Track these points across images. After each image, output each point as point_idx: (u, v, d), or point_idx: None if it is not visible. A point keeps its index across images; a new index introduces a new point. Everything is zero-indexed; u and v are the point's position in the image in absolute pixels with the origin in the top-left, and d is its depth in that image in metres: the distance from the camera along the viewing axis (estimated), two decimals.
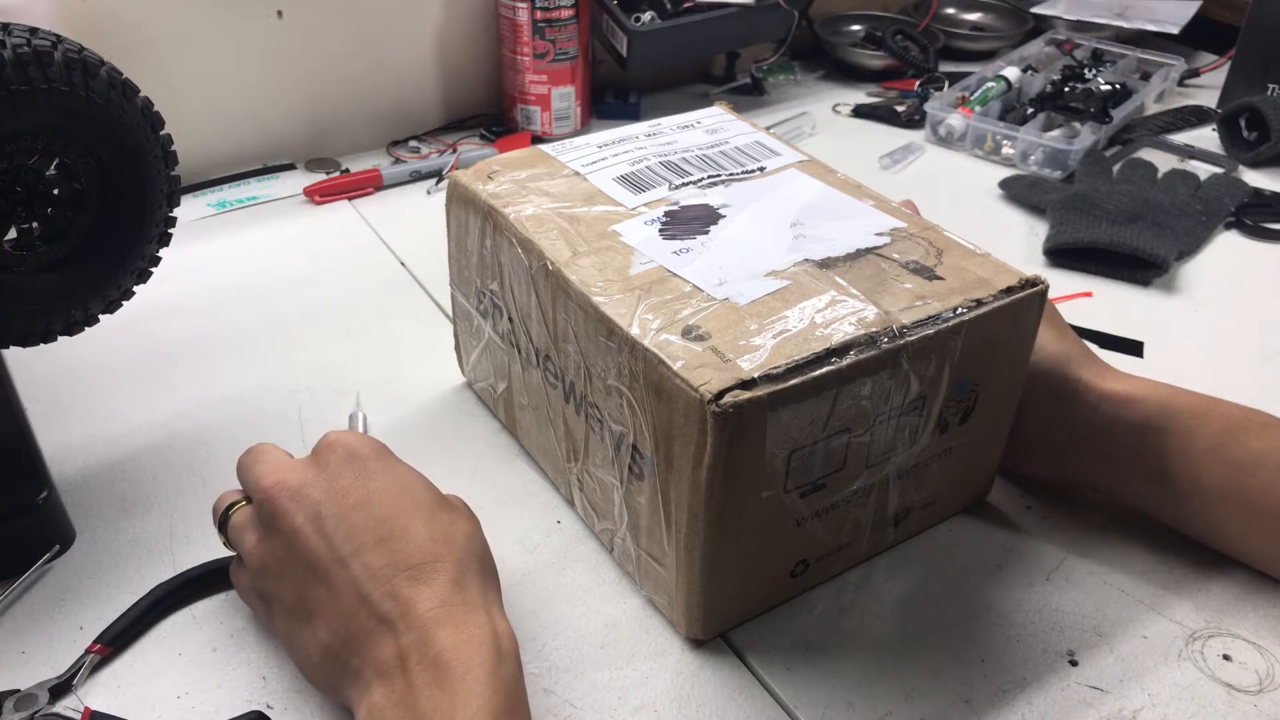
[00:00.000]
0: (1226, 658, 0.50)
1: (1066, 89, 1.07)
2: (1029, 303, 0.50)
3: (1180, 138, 1.05)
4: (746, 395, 0.42)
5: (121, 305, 0.56)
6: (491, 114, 1.04)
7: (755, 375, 0.42)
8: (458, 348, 0.67)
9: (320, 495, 0.45)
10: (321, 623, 0.44)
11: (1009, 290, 0.49)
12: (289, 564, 0.45)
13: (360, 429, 0.62)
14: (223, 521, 0.49)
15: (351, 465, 0.46)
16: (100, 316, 0.55)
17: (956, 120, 1.01)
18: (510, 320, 0.56)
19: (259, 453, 0.49)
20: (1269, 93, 1.04)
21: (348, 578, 0.43)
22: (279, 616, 0.46)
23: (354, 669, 0.42)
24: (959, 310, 0.47)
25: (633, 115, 1.07)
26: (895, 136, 1.05)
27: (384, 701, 0.40)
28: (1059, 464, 0.58)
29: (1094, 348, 0.72)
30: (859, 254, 0.51)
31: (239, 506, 0.49)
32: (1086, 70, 1.11)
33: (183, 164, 0.56)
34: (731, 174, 0.59)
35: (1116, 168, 0.94)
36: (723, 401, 0.42)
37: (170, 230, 0.56)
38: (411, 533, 0.44)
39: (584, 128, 1.04)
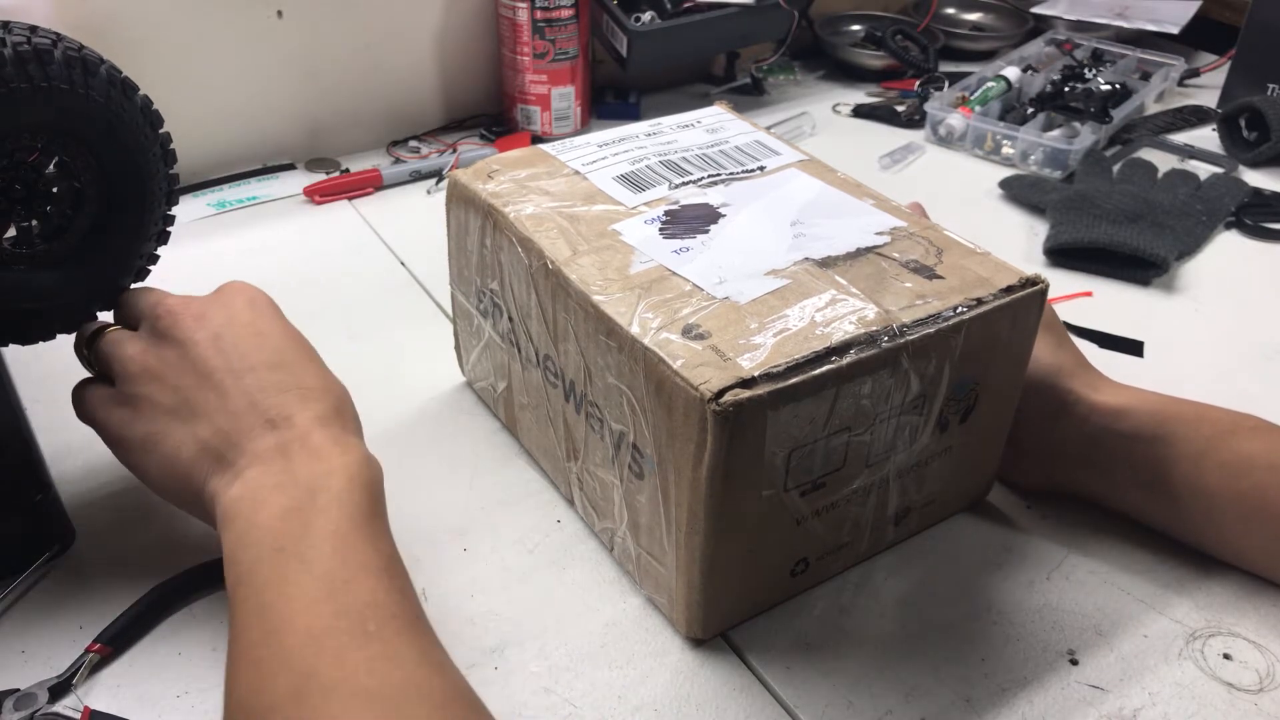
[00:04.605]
0: (1227, 657, 0.50)
1: (1066, 89, 1.07)
2: (1029, 302, 0.50)
3: (1180, 138, 1.05)
4: (746, 394, 0.42)
5: None
6: (491, 114, 1.04)
7: (755, 374, 0.42)
8: (458, 347, 0.67)
9: (222, 320, 0.49)
10: (203, 421, 0.46)
11: (1009, 289, 0.49)
12: (178, 369, 0.47)
13: None
14: (92, 338, 0.51)
15: (252, 307, 0.50)
16: (100, 315, 0.55)
17: (956, 120, 1.01)
18: (510, 319, 0.56)
19: (147, 287, 0.53)
20: (1269, 93, 1.04)
21: (240, 387, 0.46)
22: (145, 417, 0.48)
23: (229, 460, 0.45)
24: (959, 309, 0.47)
25: (633, 115, 1.07)
26: (895, 136, 1.05)
27: (260, 476, 0.44)
28: (1052, 474, 0.58)
29: (1094, 348, 0.73)
30: (859, 253, 0.51)
31: (113, 328, 0.51)
32: (1086, 70, 1.11)
33: (183, 164, 0.56)
34: (731, 173, 0.59)
35: (1116, 168, 0.94)
36: (723, 400, 0.41)
37: (169, 229, 0.56)
38: (302, 366, 0.48)
39: (584, 128, 1.03)
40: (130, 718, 0.46)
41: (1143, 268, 0.81)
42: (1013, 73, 1.07)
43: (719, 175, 0.58)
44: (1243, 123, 1.01)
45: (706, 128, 0.64)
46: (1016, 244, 0.86)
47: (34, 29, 0.47)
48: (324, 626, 0.39)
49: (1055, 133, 1.02)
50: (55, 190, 0.50)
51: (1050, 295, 0.51)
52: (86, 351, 0.52)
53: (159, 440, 0.47)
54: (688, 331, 0.45)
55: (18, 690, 0.46)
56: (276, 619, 0.39)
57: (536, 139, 1.01)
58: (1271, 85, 1.05)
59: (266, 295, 0.52)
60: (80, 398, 0.51)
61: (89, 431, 0.62)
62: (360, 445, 0.46)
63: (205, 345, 0.47)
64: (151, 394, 0.48)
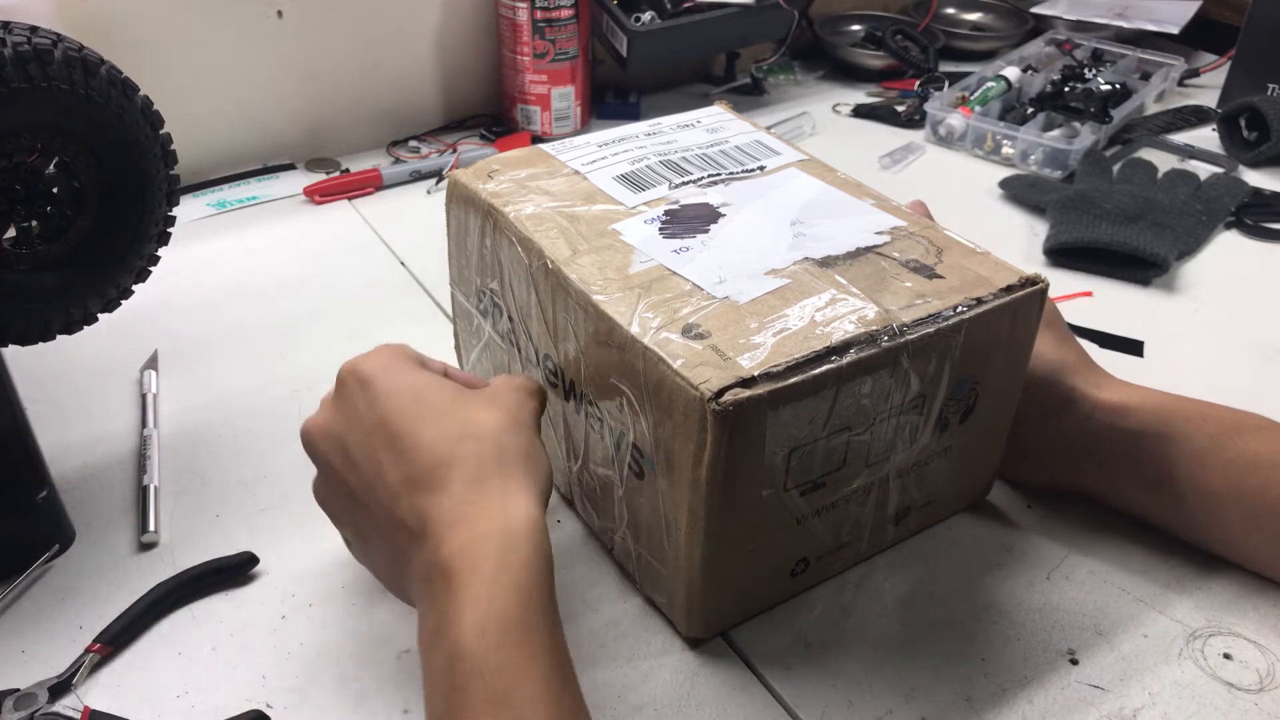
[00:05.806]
0: (1227, 656, 0.50)
1: (1066, 89, 1.07)
2: (1029, 301, 0.50)
3: (1180, 138, 1.05)
4: (746, 393, 0.42)
5: (120, 304, 0.56)
6: (491, 114, 1.04)
7: (755, 373, 0.42)
8: (458, 347, 0.67)
9: (342, 428, 0.46)
10: (374, 546, 0.47)
11: (1009, 289, 0.49)
12: (334, 498, 0.48)
13: None
14: None
15: (364, 391, 0.46)
16: (99, 316, 0.55)
17: (956, 120, 1.01)
18: (510, 319, 0.56)
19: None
20: (1269, 93, 1.04)
21: (377, 501, 0.45)
22: (352, 543, 0.50)
23: (405, 582, 0.45)
24: (959, 309, 0.47)
25: (633, 115, 1.06)
26: (895, 136, 1.05)
27: (424, 611, 0.43)
28: (1054, 472, 0.58)
29: (1094, 348, 0.73)
30: (859, 252, 0.51)
31: None
32: (1086, 70, 1.11)
33: (183, 164, 0.56)
34: (731, 173, 0.59)
35: (1116, 167, 0.94)
36: (723, 400, 0.41)
37: (169, 229, 0.56)
38: (423, 440, 0.44)
39: (584, 128, 1.03)
40: (130, 718, 0.46)
41: (1143, 267, 0.81)
42: (1013, 73, 1.07)
43: (719, 175, 0.58)
44: (1243, 123, 1.01)
45: (706, 128, 0.64)
46: (1016, 244, 0.86)
47: (34, 29, 0.47)
48: None
49: (1055, 133, 1.02)
50: (55, 191, 0.50)
51: (1050, 295, 0.51)
52: None
53: (368, 560, 0.49)
54: (688, 331, 0.45)
55: (18, 690, 0.46)
56: None
57: (536, 139, 1.01)
58: (1271, 85, 1.05)
59: (376, 359, 0.48)
60: None
61: (89, 431, 0.63)
62: (498, 522, 0.42)
63: (338, 467, 0.47)
64: (336, 524, 0.49)
